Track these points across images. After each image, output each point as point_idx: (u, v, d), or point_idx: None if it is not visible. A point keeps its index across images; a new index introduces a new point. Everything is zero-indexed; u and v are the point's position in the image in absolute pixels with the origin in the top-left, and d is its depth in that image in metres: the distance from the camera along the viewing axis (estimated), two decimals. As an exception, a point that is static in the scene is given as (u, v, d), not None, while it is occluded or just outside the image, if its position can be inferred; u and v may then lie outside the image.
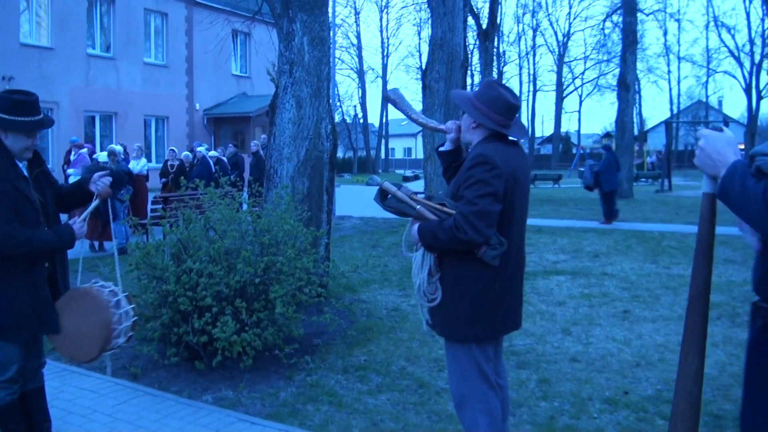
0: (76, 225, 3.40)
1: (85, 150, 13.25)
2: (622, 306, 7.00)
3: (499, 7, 25.39)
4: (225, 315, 4.81)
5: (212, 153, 16.28)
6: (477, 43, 24.59)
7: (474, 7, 23.36)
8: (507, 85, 3.20)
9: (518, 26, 64.21)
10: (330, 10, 6.85)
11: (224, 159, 16.17)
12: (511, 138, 3.10)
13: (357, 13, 46.00)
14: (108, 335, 3.35)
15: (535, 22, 56.82)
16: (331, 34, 7.19)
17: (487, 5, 24.29)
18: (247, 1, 21.10)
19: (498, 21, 26.68)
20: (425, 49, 48.52)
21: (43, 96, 20.69)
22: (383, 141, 57.13)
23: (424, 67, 11.04)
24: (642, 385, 4.82)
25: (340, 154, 56.12)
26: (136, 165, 13.83)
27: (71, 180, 12.74)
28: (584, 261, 9.69)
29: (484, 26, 23.53)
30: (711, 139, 2.00)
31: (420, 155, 58.07)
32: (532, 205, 18.91)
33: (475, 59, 32.97)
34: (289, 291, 5.06)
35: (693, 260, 2.19)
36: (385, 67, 55.80)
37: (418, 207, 2.97)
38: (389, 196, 3.02)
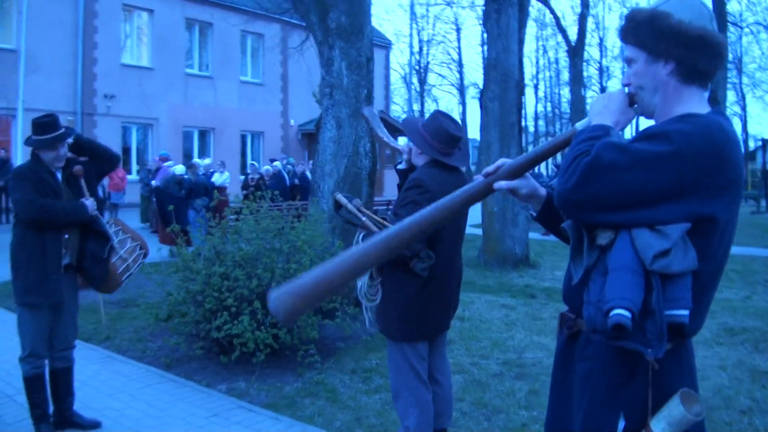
0: (88, 201, 4.08)
1: (170, 163, 14.30)
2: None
3: (586, 21, 25.24)
4: (243, 314, 5.35)
5: (300, 167, 17.17)
6: (567, 59, 24.58)
7: (562, 24, 23.46)
8: (452, 115, 3.58)
9: (622, 41, 62.00)
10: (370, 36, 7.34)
11: (308, 173, 17.03)
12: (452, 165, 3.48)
13: (458, 30, 46.31)
14: (117, 279, 4.32)
15: (637, 36, 55.43)
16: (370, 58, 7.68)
17: (576, 23, 24.24)
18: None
19: (587, 37, 26.45)
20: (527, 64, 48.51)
21: (143, 113, 22.41)
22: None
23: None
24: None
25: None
26: (219, 178, 14.86)
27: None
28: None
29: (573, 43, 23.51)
30: (606, 96, 1.97)
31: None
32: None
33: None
34: (303, 295, 5.53)
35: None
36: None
37: (363, 219, 3.41)
38: (342, 207, 3.48)
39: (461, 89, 54.76)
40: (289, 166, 16.91)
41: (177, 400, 4.79)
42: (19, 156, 13.74)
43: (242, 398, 4.92)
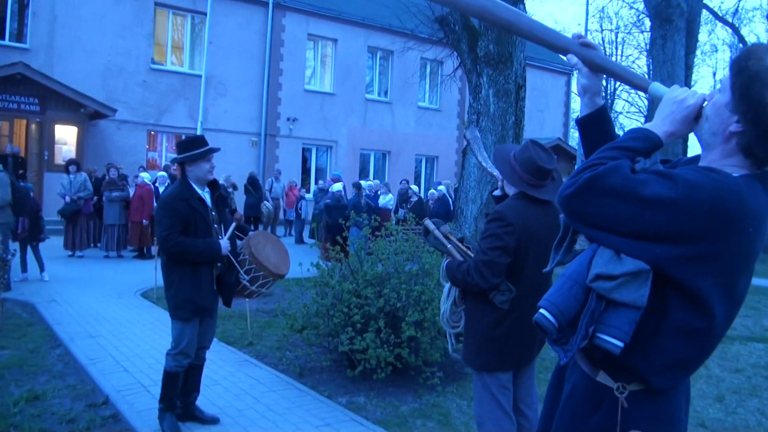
0: (222, 242, 4.39)
1: (339, 184, 15.02)
2: (806, 382, 6.38)
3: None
4: (368, 331, 5.54)
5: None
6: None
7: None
8: (544, 146, 3.45)
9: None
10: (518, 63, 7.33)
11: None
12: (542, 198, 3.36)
13: (647, 54, 44.22)
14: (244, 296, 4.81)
15: None
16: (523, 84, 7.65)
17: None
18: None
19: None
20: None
21: (324, 135, 23.75)
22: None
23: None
24: (755, 459, 4.55)
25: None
26: (383, 199, 15.38)
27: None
28: (806, 331, 8.78)
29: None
30: (681, 101, 1.82)
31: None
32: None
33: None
34: (428, 317, 5.63)
35: None
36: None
37: (449, 246, 3.46)
38: (430, 233, 3.54)
39: (647, 116, 52.21)
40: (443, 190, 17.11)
41: (296, 407, 5.04)
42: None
43: (358, 412, 5.07)
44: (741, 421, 5.29)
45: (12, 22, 18.68)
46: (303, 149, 23.99)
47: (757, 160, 1.74)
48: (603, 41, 44.18)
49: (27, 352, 6.29)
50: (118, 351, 6.30)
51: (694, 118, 1.82)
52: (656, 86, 1.97)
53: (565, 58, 2.10)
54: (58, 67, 18.53)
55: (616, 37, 40.70)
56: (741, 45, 23.22)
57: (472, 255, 3.36)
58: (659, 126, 1.83)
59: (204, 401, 4.79)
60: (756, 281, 13.83)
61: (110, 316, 7.80)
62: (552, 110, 31.11)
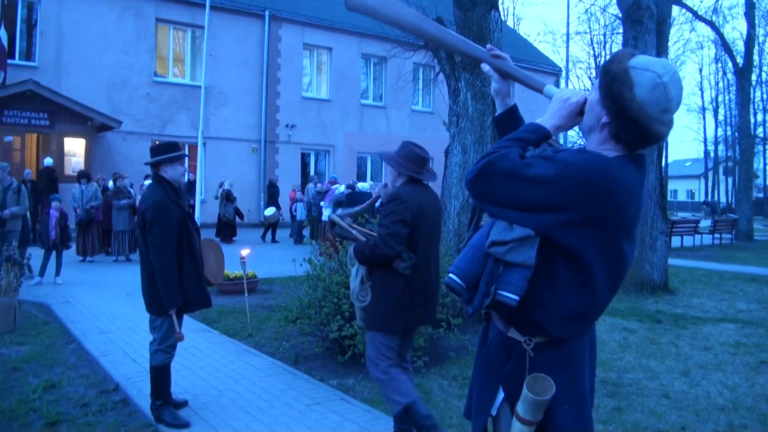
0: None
1: (336, 186, 15.53)
2: (766, 357, 6.86)
3: (754, 42, 23.72)
4: (356, 320, 6.01)
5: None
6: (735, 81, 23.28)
7: (729, 46, 22.39)
8: (420, 144, 4.37)
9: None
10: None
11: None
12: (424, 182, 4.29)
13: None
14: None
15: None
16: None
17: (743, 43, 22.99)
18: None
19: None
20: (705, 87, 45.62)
21: (321, 140, 24.36)
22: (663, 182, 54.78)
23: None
24: (707, 425, 5.00)
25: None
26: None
27: (324, 212, 15.13)
28: (774, 313, 9.28)
29: (740, 64, 22.44)
30: (564, 99, 2.17)
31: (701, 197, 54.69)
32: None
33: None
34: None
35: None
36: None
37: (354, 232, 4.19)
38: (336, 225, 4.25)
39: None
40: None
41: (290, 389, 5.52)
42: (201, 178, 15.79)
43: (347, 393, 5.54)
44: (703, 392, 5.73)
45: (21, 42, 19.47)
46: (302, 154, 24.59)
47: (627, 145, 2.03)
48: (592, 41, 44.67)
49: (43, 348, 6.80)
50: (127, 344, 6.80)
51: (578, 114, 2.18)
52: (549, 88, 2.34)
53: (480, 66, 2.46)
54: (66, 82, 19.24)
55: (604, 37, 41.16)
56: (722, 42, 23.78)
57: (375, 234, 4.09)
58: (549, 120, 2.19)
59: (205, 385, 5.29)
60: (735, 268, 14.34)
61: (119, 314, 8.30)
62: (542, 110, 30.03)
